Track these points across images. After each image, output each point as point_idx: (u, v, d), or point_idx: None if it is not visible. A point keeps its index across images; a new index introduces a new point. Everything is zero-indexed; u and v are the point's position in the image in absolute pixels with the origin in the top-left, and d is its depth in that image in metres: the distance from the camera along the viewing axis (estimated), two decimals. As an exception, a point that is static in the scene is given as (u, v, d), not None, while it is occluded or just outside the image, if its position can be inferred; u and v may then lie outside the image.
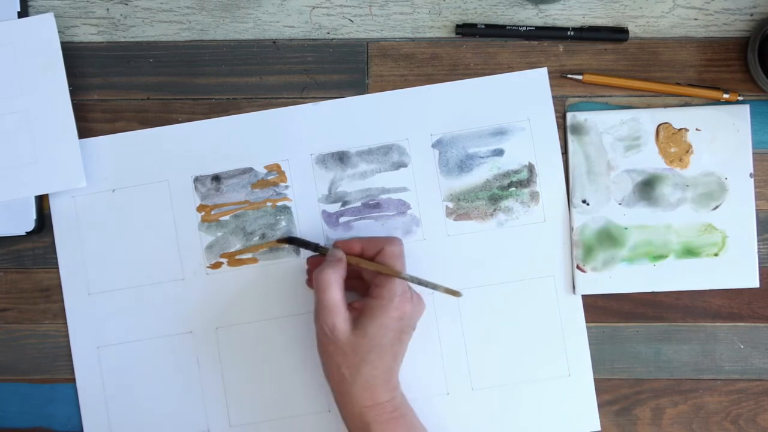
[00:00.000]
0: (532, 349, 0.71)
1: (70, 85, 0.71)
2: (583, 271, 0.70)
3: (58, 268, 0.72)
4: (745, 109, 0.70)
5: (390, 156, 0.71)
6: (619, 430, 0.71)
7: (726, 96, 0.70)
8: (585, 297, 0.71)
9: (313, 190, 0.72)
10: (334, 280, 0.64)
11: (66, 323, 0.72)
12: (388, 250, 0.65)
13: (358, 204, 0.71)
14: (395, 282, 0.64)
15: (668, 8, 0.71)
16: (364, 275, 0.68)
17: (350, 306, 0.65)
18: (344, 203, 0.71)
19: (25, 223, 0.71)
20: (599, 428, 0.71)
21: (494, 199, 0.71)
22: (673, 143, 0.70)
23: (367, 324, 0.63)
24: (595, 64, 0.71)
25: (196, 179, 0.72)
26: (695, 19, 0.71)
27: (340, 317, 0.63)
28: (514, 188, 0.71)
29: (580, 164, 0.71)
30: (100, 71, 0.72)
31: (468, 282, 0.71)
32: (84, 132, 0.72)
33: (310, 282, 0.69)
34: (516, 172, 0.71)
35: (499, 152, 0.71)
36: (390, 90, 0.72)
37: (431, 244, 0.71)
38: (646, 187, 0.71)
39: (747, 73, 0.71)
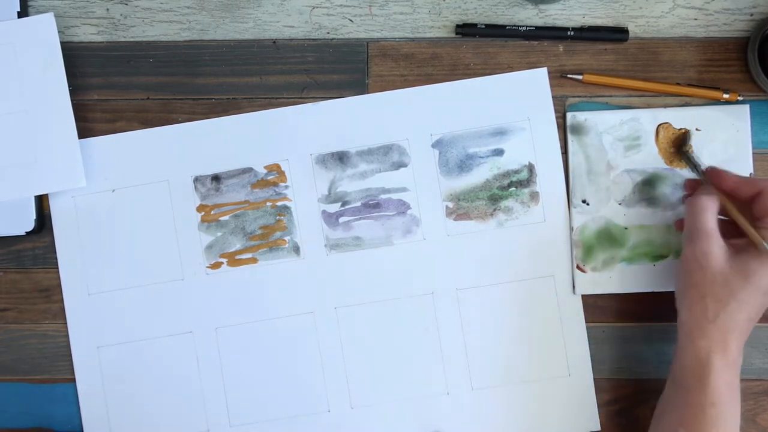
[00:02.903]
0: (532, 349, 0.71)
1: (70, 85, 0.71)
2: (583, 271, 0.71)
3: (57, 268, 0.72)
4: (745, 109, 0.70)
5: (390, 156, 0.71)
6: (620, 430, 0.71)
7: (726, 96, 0.70)
8: (585, 297, 0.71)
9: (313, 190, 0.72)
10: (708, 206, 0.61)
11: (66, 323, 0.72)
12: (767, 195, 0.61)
13: (358, 204, 0.71)
14: None
15: (668, 8, 0.71)
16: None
17: (729, 241, 0.61)
18: (344, 203, 0.71)
19: (25, 223, 0.71)
20: (599, 428, 0.71)
21: (494, 199, 0.71)
22: (673, 143, 0.70)
23: (749, 261, 0.59)
24: (595, 64, 0.71)
25: (196, 179, 0.72)
26: (695, 19, 0.71)
27: (715, 244, 0.60)
28: (514, 188, 0.71)
29: (580, 164, 0.71)
30: (100, 71, 0.72)
31: (468, 282, 0.71)
32: (84, 132, 0.72)
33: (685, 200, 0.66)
34: (516, 172, 0.71)
35: (499, 152, 0.71)
36: (390, 90, 0.72)
37: (431, 244, 0.71)
38: (646, 187, 0.71)
39: (747, 73, 0.71)
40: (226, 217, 0.72)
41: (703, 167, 0.66)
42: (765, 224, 0.61)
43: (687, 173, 0.70)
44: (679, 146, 0.68)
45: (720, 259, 0.60)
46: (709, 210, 0.61)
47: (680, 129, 0.68)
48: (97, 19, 0.72)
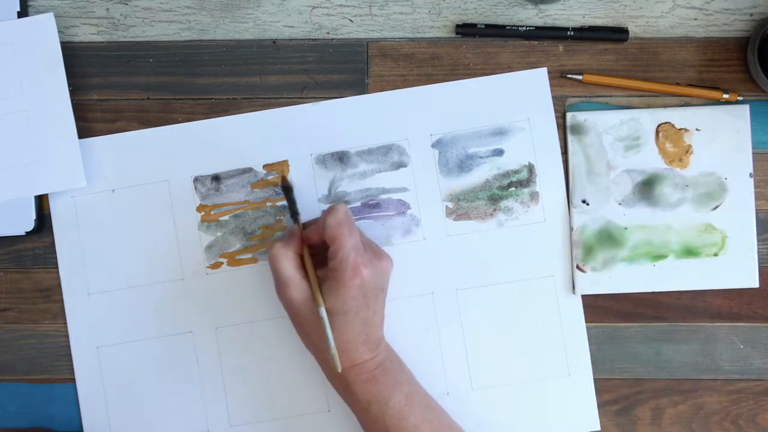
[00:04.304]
0: (532, 349, 0.71)
1: (70, 85, 0.71)
2: (583, 271, 0.71)
3: (57, 268, 0.72)
4: (745, 109, 0.70)
5: (390, 156, 0.71)
6: (619, 430, 0.71)
7: (726, 96, 0.70)
8: (585, 297, 0.71)
9: (313, 190, 0.72)
10: (280, 256, 0.64)
11: (66, 323, 0.72)
12: (327, 224, 0.63)
13: (358, 204, 0.71)
14: (343, 252, 0.62)
15: (668, 8, 0.71)
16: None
17: (318, 276, 0.65)
18: (344, 203, 0.71)
19: (25, 223, 0.71)
20: (599, 428, 0.71)
21: (494, 199, 0.71)
22: (673, 143, 0.70)
23: (326, 295, 0.63)
24: (595, 64, 0.71)
25: (196, 179, 0.72)
26: (695, 19, 0.71)
27: (294, 289, 0.64)
28: (514, 188, 0.71)
29: (580, 164, 0.71)
30: (100, 71, 0.72)
31: (468, 282, 0.71)
32: (84, 132, 0.72)
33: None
34: (516, 172, 0.71)
35: (499, 152, 0.71)
36: (390, 90, 0.72)
37: (431, 244, 0.71)
38: (646, 187, 0.71)
39: (747, 73, 0.71)
40: (226, 217, 0.72)
41: (299, 213, 0.68)
42: (332, 266, 0.63)
43: (687, 173, 0.70)
44: (284, 188, 0.69)
45: (304, 301, 0.64)
46: (283, 259, 0.64)
47: (280, 176, 0.70)
48: (97, 19, 0.72)
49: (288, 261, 0.64)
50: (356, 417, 0.67)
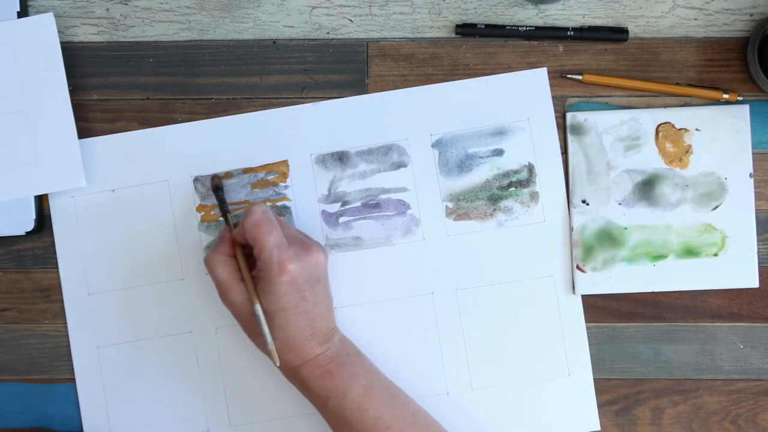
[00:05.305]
0: (531, 349, 0.71)
1: (70, 85, 0.71)
2: (583, 271, 0.71)
3: (57, 268, 0.72)
4: (745, 109, 0.70)
5: (390, 156, 0.71)
6: (619, 430, 0.71)
7: (726, 96, 0.70)
8: (585, 297, 0.71)
9: (313, 190, 0.72)
10: (217, 259, 0.65)
11: (66, 323, 0.72)
12: (245, 227, 0.64)
13: (358, 204, 0.71)
14: (266, 252, 0.63)
15: (668, 8, 0.71)
16: None
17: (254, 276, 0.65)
18: (344, 203, 0.71)
19: (25, 223, 0.71)
20: (599, 428, 0.71)
21: (494, 199, 0.71)
22: (673, 143, 0.70)
23: (261, 295, 0.63)
24: (595, 64, 0.71)
25: (196, 179, 0.72)
26: (695, 19, 0.71)
27: (232, 293, 0.64)
28: (513, 188, 0.71)
29: (580, 164, 0.71)
30: (100, 71, 0.72)
31: (468, 282, 0.71)
32: (84, 132, 0.72)
33: None
34: (516, 172, 0.71)
35: (498, 152, 0.71)
36: (390, 90, 0.72)
37: (431, 244, 0.71)
38: (646, 187, 0.71)
39: (747, 73, 0.71)
40: (226, 217, 0.72)
41: (231, 219, 0.68)
42: (259, 266, 0.64)
43: (687, 173, 0.70)
44: (214, 188, 0.70)
45: (242, 302, 0.64)
46: (217, 265, 0.65)
47: (211, 175, 0.70)
48: (97, 19, 0.72)
49: (222, 266, 0.65)
50: (319, 413, 0.66)
